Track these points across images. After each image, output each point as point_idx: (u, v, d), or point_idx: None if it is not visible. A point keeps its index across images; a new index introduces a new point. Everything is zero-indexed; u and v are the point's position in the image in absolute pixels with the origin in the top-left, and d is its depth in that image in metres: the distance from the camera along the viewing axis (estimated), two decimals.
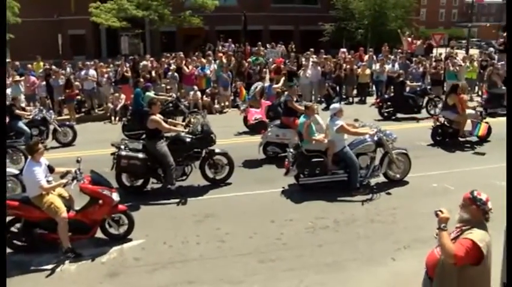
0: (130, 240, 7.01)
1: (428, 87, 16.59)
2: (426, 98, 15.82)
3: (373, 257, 6.42)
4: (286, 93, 11.62)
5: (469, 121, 11.87)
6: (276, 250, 6.67)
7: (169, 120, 9.55)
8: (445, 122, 11.85)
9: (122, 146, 8.75)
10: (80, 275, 6.20)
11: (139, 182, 9.03)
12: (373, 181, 9.15)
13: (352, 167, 8.61)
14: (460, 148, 11.57)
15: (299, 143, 9.10)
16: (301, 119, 9.15)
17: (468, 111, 11.81)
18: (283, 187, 9.07)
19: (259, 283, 5.90)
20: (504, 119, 12.97)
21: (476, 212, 3.82)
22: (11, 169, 9.10)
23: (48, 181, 6.55)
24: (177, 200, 8.55)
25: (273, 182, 9.33)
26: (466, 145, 11.74)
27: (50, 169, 6.80)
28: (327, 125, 9.00)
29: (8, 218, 6.62)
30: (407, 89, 15.85)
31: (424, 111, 15.61)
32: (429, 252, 4.13)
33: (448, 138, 11.81)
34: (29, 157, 6.59)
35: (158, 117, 8.71)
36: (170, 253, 6.70)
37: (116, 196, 6.83)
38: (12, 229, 6.70)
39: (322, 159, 8.71)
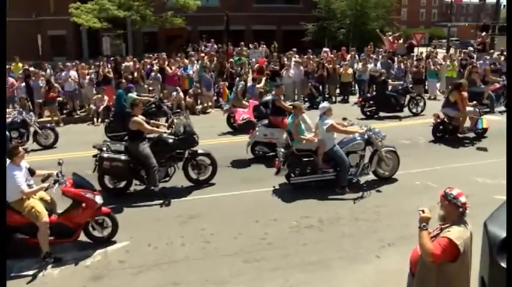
0: (115, 242, 6.94)
1: (410, 86, 16.77)
2: (408, 97, 15.99)
3: (358, 255, 6.47)
4: (273, 92, 11.61)
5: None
6: (261, 250, 6.67)
7: (152, 121, 9.48)
8: (445, 119, 12.11)
9: (104, 148, 8.66)
10: (63, 279, 6.12)
11: (122, 184, 8.95)
12: (362, 179, 9.23)
13: (342, 166, 8.67)
14: (450, 144, 11.74)
15: (289, 143, 9.12)
16: (290, 119, 9.20)
17: (468, 108, 12.05)
18: (274, 187, 9.07)
19: (245, 283, 5.90)
20: (488, 116, 13.28)
21: (449, 207, 3.91)
22: None
23: (29, 185, 6.44)
24: (161, 202, 8.49)
25: (257, 182, 9.34)
26: (456, 143, 11.91)
27: (31, 172, 6.69)
28: (317, 124, 9.04)
29: None
30: (390, 88, 16.01)
31: (406, 109, 15.74)
32: (413, 249, 4.19)
33: (448, 134, 12.09)
34: (9, 160, 6.43)
35: (140, 118, 8.65)
36: (155, 254, 6.65)
37: (99, 199, 6.75)
38: None
39: (312, 158, 8.76)
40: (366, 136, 9.00)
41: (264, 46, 23.71)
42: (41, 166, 7.02)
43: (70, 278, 6.12)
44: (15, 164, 6.37)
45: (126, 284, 5.97)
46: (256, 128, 10.87)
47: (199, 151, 9.30)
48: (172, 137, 9.00)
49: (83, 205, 6.57)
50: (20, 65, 19.08)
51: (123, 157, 8.51)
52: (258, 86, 13.73)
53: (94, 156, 8.61)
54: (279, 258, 6.44)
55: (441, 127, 12.11)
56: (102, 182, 8.73)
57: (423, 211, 3.97)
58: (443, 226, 3.93)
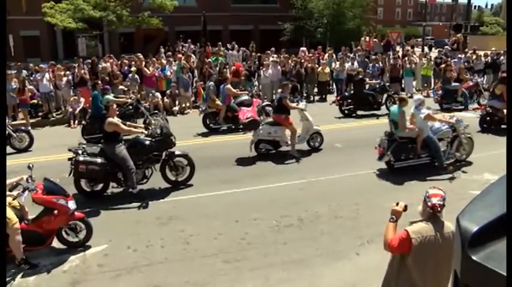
0: (92, 247, 6.84)
1: (387, 84, 16.97)
2: (385, 95, 16.18)
3: (338, 253, 6.53)
4: (279, 90, 11.73)
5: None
6: (241, 250, 6.67)
7: (128, 123, 9.38)
8: (491, 111, 12.76)
9: (80, 151, 8.50)
10: (41, 285, 6.00)
11: (99, 186, 8.83)
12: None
13: (437, 151, 9.60)
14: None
15: (392, 131, 9.79)
16: (395, 109, 9.83)
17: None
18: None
19: (226, 283, 5.89)
20: (463, 114, 13.89)
21: (423, 205, 4.06)
22: None
23: None
24: (139, 204, 8.41)
25: (236, 183, 9.34)
26: None
27: None
28: (412, 114, 9.78)
29: None
30: (367, 86, 16.18)
31: (383, 107, 15.92)
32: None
33: (493, 125, 12.74)
34: None
35: (116, 119, 8.55)
36: (134, 257, 6.59)
37: (72, 204, 6.57)
38: None
39: (414, 145, 9.55)
40: (451, 125, 9.95)
41: (243, 48, 23.64)
42: (16, 171, 6.85)
43: (47, 285, 6.00)
44: None
45: None
46: (260, 127, 11.02)
47: (177, 152, 9.25)
48: (149, 138, 8.92)
49: (55, 211, 6.40)
50: None
51: (99, 160, 8.38)
52: (227, 86, 13.69)
53: (69, 159, 8.46)
54: (259, 257, 6.45)
55: (487, 119, 12.81)
56: (78, 186, 8.60)
57: (397, 204, 4.15)
58: (413, 221, 4.06)
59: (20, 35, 31.06)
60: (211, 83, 14.75)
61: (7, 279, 6.07)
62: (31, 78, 17.03)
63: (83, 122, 14.14)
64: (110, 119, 8.40)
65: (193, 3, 34.25)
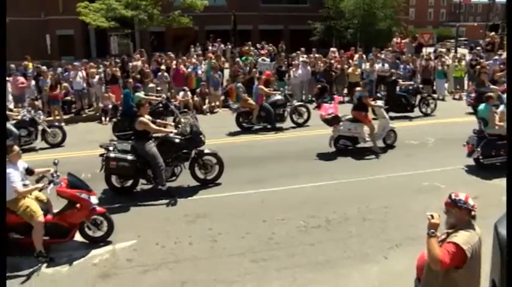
0: (122, 241, 6.96)
1: (421, 86, 16.64)
2: (419, 97, 15.87)
3: (365, 256, 6.45)
4: (358, 89, 11.93)
5: None
6: (269, 250, 6.67)
7: (158, 121, 9.49)
8: None
9: (111, 148, 8.67)
10: (72, 277, 6.15)
11: (129, 183, 8.98)
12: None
13: None
14: (458, 145, 11.48)
15: (482, 128, 9.85)
16: (483, 107, 9.91)
17: None
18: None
19: (252, 282, 5.90)
20: None
21: (460, 213, 3.81)
22: None
23: (24, 185, 6.41)
24: (168, 201, 8.50)
25: (265, 182, 9.34)
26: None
27: (29, 172, 6.68)
28: (501, 111, 9.84)
29: None
30: (400, 88, 15.89)
31: (416, 110, 15.60)
32: (420, 254, 4.14)
33: None
34: (6, 159, 6.40)
35: (146, 118, 8.66)
36: (162, 253, 6.67)
37: (94, 199, 6.77)
38: None
39: (504, 141, 9.48)
40: None
41: (271, 48, 23.55)
42: (49, 165, 7.02)
43: (78, 276, 6.15)
44: (11, 163, 6.35)
45: (134, 283, 5.98)
46: (341, 123, 11.17)
47: (206, 151, 9.31)
48: (179, 136, 9.01)
49: (78, 205, 6.58)
50: (31, 64, 19.17)
51: (129, 157, 8.52)
52: (260, 86, 13.77)
53: (101, 155, 8.63)
54: (286, 258, 6.43)
55: None
56: (109, 181, 8.78)
57: (432, 216, 3.79)
58: (449, 231, 3.85)
59: (56, 34, 31.90)
60: (239, 83, 14.82)
61: (43, 268, 6.29)
62: (65, 75, 17.43)
63: (114, 119, 14.38)
64: (141, 118, 8.52)
65: (223, 3, 34.42)
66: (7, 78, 15.86)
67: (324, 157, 11.06)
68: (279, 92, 15.03)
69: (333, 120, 11.28)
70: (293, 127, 14.20)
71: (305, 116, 14.51)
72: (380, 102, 11.89)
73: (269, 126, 13.87)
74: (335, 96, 14.08)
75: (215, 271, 6.15)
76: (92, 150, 10.27)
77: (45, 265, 6.37)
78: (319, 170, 10.22)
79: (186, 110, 15.20)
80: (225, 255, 6.58)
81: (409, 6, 40.50)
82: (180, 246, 6.87)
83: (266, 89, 14.24)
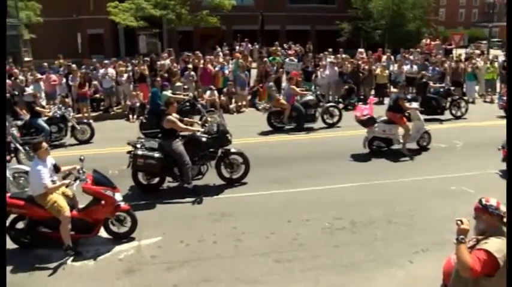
0: (147, 237, 7.05)
1: (452, 88, 16.31)
2: (450, 99, 15.55)
3: (390, 259, 6.36)
4: (394, 89, 11.84)
5: None
6: (293, 250, 6.65)
7: (186, 119, 9.57)
8: None
9: (138, 145, 8.79)
10: (98, 270, 6.27)
11: (156, 180, 9.08)
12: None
13: None
14: (488, 149, 10.78)
15: None
16: None
17: None
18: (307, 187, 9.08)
19: (276, 283, 5.89)
20: None
21: (491, 220, 3.71)
22: (23, 166, 9.27)
23: (52, 181, 6.56)
24: (194, 199, 8.56)
25: (290, 183, 9.32)
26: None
27: (56, 169, 6.84)
28: None
29: (13, 216, 6.73)
30: (430, 90, 15.61)
31: (447, 112, 15.34)
32: (446, 259, 4.06)
33: None
34: (35, 155, 6.60)
35: (174, 117, 8.75)
36: (187, 251, 6.72)
37: (118, 196, 6.88)
38: (17, 226, 6.79)
39: None
40: None
41: (298, 48, 23.50)
42: (77, 161, 7.17)
43: (104, 270, 6.26)
44: (41, 159, 6.53)
45: (158, 279, 6.04)
46: (375, 124, 11.13)
47: (232, 150, 9.34)
48: (206, 135, 9.07)
49: (103, 201, 6.71)
50: (62, 62, 19.61)
51: (156, 155, 8.61)
52: (291, 86, 13.77)
53: (128, 152, 8.76)
54: (310, 259, 6.40)
55: None
56: (135, 178, 8.90)
57: (461, 222, 3.68)
58: (479, 237, 3.74)
59: (87, 33, 32.59)
60: (271, 83, 14.86)
61: (70, 262, 6.43)
62: (94, 73, 17.76)
63: (141, 117, 14.58)
64: (169, 117, 8.61)
65: (251, 3, 34.52)
66: (40, 76, 16.28)
67: (354, 158, 11.00)
68: (311, 93, 14.96)
69: (367, 122, 11.22)
70: (324, 128, 14.16)
71: (336, 117, 14.43)
72: (415, 104, 11.76)
73: (296, 126, 13.85)
74: (370, 97, 13.96)
75: (238, 270, 6.16)
76: (119, 147, 10.42)
77: (72, 258, 6.51)
78: (347, 171, 10.15)
79: (212, 109, 15.31)
80: (248, 254, 6.58)
81: (439, 6, 39.70)
82: (205, 244, 6.91)
83: (298, 89, 14.24)
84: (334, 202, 8.36)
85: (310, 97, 14.18)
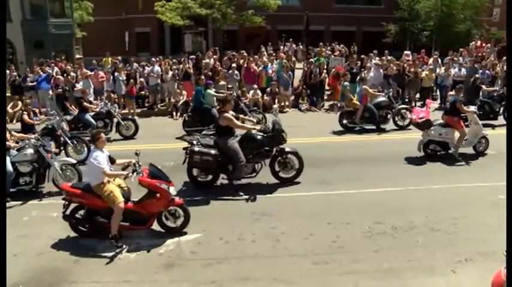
0: (188, 234, 7.16)
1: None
2: (504, 104, 14.92)
3: (432, 267, 6.20)
4: (451, 92, 11.79)
5: None
6: (332, 253, 6.59)
7: (241, 116, 9.61)
8: None
9: (195, 142, 8.92)
10: (138, 263, 6.43)
11: (209, 177, 9.18)
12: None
13: None
14: None
15: None
16: None
17: None
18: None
19: (313, 284, 5.86)
20: None
21: None
22: (70, 159, 9.65)
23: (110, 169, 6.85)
24: (238, 197, 8.63)
25: (333, 185, 9.25)
26: None
27: (111, 160, 7.06)
28: None
29: (73, 205, 7.01)
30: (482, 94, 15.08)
31: (501, 117, 14.76)
32: (496, 272, 3.90)
33: None
34: (92, 145, 6.90)
35: (230, 114, 8.82)
36: (226, 248, 6.79)
37: (172, 190, 6.99)
38: (77, 215, 7.06)
39: None
40: None
41: (343, 50, 23.22)
42: (121, 156, 7.38)
43: (144, 263, 6.41)
44: (98, 148, 6.86)
45: (196, 275, 6.13)
46: (432, 127, 10.97)
47: (287, 149, 9.31)
48: (261, 134, 9.09)
49: (157, 195, 6.85)
50: (110, 59, 20.21)
51: (213, 152, 8.70)
52: (364, 87, 13.77)
53: (184, 149, 8.90)
54: (349, 262, 6.33)
55: None
56: (190, 174, 9.04)
57: None
58: None
59: (134, 32, 33.42)
60: (346, 82, 14.87)
61: (112, 253, 6.63)
62: (141, 71, 18.21)
63: (184, 114, 14.81)
64: (226, 114, 8.68)
65: (296, 3, 34.34)
66: (89, 73, 16.84)
67: (408, 161, 10.81)
68: (383, 94, 14.77)
69: (424, 125, 11.02)
70: (395, 129, 14.04)
71: (407, 119, 14.13)
72: (473, 108, 11.43)
73: (373, 126, 13.91)
74: (427, 100, 13.64)
75: (276, 270, 6.16)
76: (162, 143, 10.61)
77: (117, 250, 6.71)
78: (394, 174, 9.95)
79: (255, 108, 15.38)
80: (287, 255, 6.57)
81: (493, 6, 37.94)
82: (243, 243, 6.95)
83: (371, 90, 14.17)
84: (376, 205, 8.22)
85: (382, 98, 14.07)
